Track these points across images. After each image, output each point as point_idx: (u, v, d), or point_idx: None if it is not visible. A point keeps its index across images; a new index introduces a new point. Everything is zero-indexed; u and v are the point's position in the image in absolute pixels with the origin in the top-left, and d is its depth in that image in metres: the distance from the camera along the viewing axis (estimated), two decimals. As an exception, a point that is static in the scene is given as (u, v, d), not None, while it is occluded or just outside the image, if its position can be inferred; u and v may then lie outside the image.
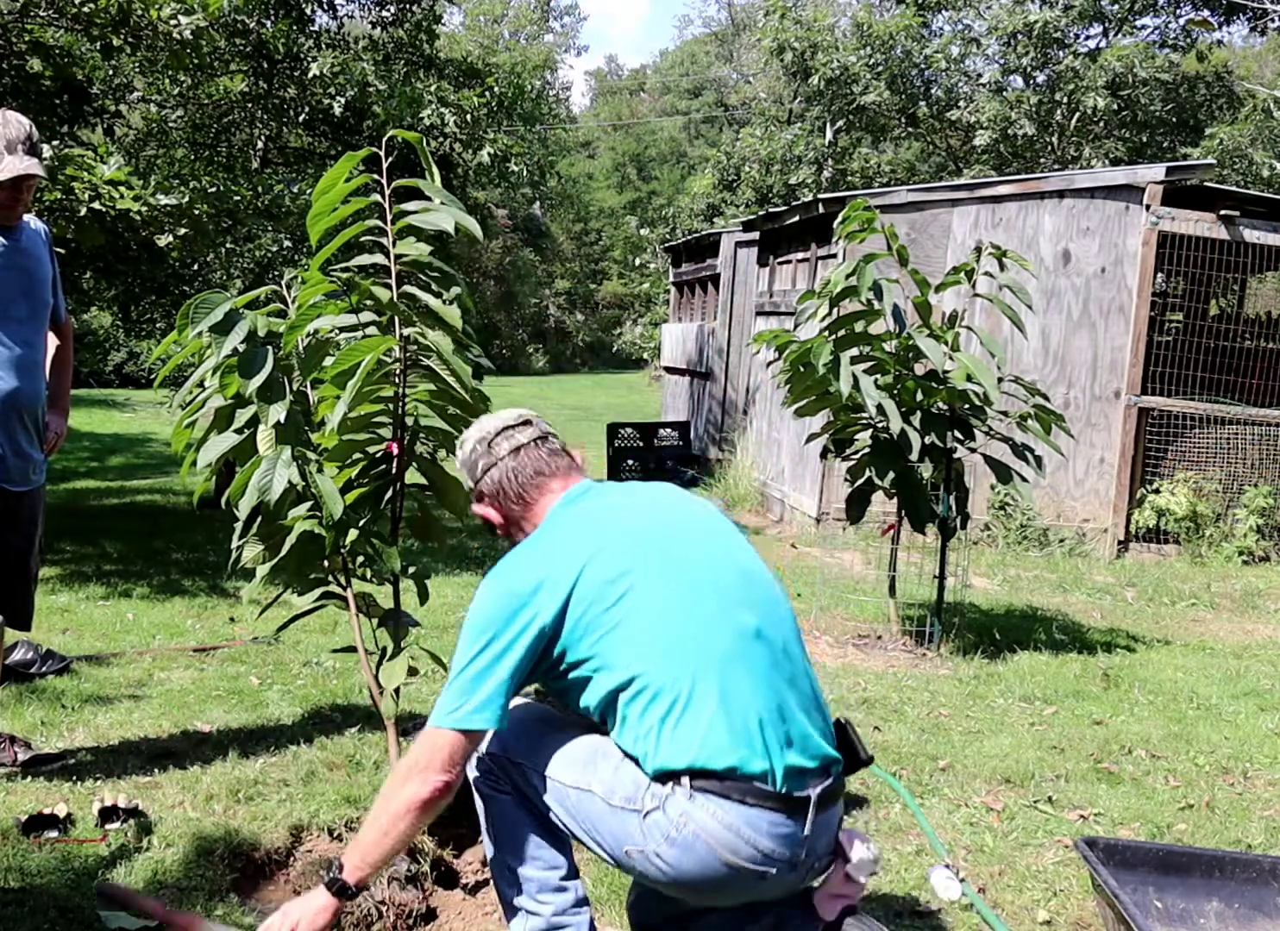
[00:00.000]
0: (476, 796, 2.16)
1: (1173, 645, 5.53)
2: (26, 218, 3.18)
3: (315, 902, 2.02)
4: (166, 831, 2.85)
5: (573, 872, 2.15)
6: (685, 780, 1.90)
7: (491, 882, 2.24)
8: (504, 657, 1.97)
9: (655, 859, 1.93)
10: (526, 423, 2.24)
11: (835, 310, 4.99)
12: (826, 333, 4.88)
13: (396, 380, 2.59)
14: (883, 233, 4.97)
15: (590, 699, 2.00)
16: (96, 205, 5.55)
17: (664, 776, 1.92)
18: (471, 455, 2.23)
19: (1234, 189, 8.57)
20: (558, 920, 2.12)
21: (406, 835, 1.99)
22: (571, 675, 2.00)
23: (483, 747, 2.10)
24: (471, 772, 2.14)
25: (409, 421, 2.65)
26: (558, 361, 38.02)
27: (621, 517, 2.12)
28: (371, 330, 2.57)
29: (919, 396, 4.88)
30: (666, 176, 41.28)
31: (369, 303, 2.51)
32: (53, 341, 3.35)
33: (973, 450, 5.02)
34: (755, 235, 10.48)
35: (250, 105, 9.09)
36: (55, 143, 6.16)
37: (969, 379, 4.83)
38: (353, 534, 2.63)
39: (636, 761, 1.97)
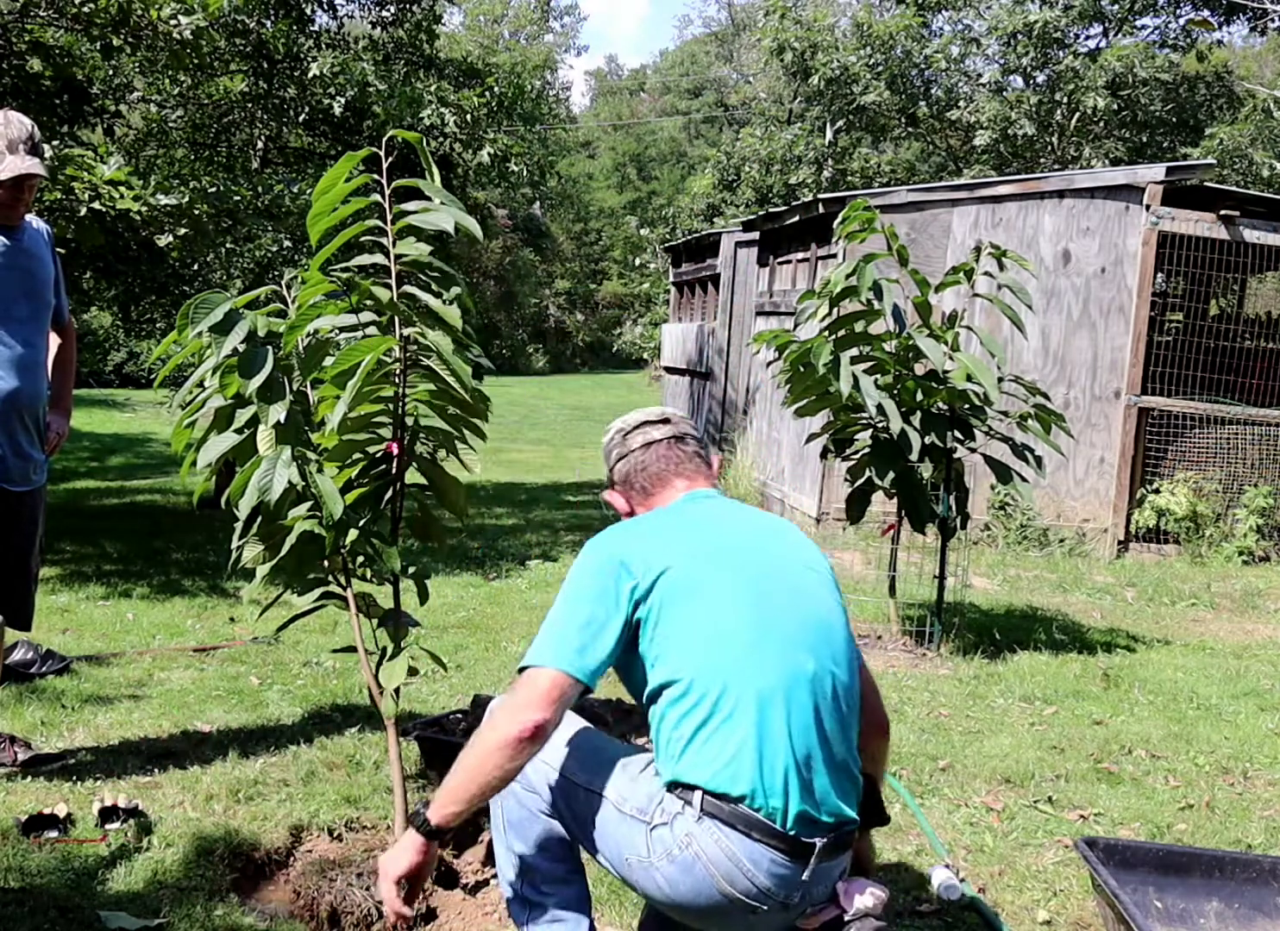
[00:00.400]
0: None
1: (1173, 645, 5.53)
2: (29, 218, 3.18)
3: (403, 843, 2.01)
4: (166, 831, 2.86)
5: (578, 867, 2.16)
6: (697, 798, 1.91)
7: (496, 872, 2.24)
8: (613, 617, 1.98)
9: (654, 873, 1.95)
10: (665, 421, 2.30)
11: (835, 310, 4.99)
12: (826, 333, 4.87)
13: (396, 380, 2.58)
14: (883, 233, 4.97)
15: (642, 685, 2.02)
16: (96, 205, 5.55)
17: (678, 787, 1.93)
18: (609, 443, 2.32)
19: (1234, 189, 8.57)
20: (559, 913, 2.12)
21: (494, 775, 1.93)
22: (636, 654, 2.02)
23: None
24: None
25: (409, 421, 2.65)
26: (558, 361, 38.05)
27: (727, 532, 2.14)
28: (371, 330, 2.56)
29: (919, 396, 4.88)
30: (666, 176, 41.32)
31: (369, 303, 2.51)
32: (54, 341, 3.36)
33: (973, 450, 5.02)
34: (755, 235, 10.48)
35: (250, 105, 9.09)
36: (55, 143, 6.16)
37: (969, 379, 4.83)
38: (353, 534, 2.63)
39: (657, 769, 1.99)
